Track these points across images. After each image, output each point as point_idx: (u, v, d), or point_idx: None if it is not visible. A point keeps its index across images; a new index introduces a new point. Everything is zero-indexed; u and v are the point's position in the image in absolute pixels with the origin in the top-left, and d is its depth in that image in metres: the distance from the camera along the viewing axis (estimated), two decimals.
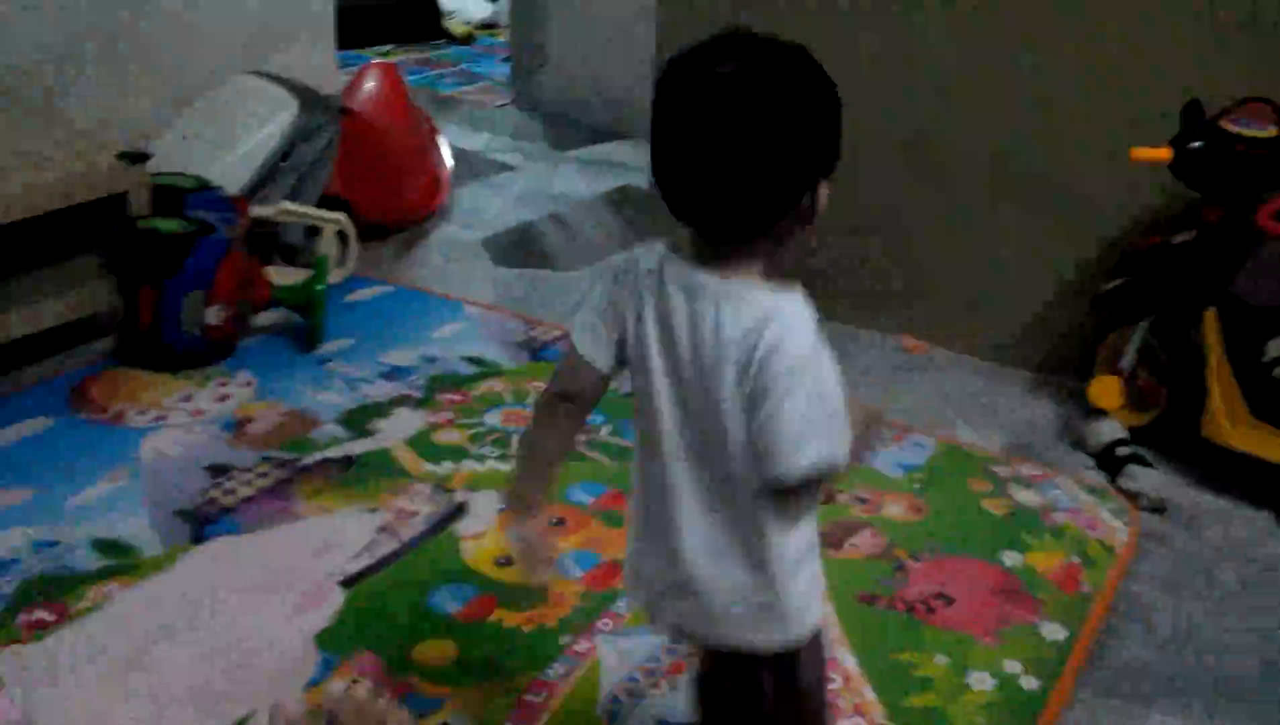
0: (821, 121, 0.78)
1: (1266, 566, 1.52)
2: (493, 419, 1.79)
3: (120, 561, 1.40)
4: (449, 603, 1.35)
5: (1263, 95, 1.61)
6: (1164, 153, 1.62)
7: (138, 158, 1.94)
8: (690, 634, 0.89)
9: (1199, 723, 1.24)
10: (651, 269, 0.83)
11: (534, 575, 0.93)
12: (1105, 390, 1.79)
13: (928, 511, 1.59)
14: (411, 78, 3.96)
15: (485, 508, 1.54)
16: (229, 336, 1.94)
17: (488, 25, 4.86)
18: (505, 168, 3.13)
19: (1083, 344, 1.93)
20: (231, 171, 2.20)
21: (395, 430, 1.73)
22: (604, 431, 1.76)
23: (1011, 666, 1.29)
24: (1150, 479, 1.66)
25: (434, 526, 1.50)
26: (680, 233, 0.82)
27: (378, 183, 2.49)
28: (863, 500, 1.61)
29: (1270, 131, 1.59)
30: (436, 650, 1.27)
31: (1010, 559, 1.49)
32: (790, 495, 0.81)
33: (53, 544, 1.42)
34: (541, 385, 1.93)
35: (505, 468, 1.64)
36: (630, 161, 3.09)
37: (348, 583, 1.38)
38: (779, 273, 0.82)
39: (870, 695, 1.23)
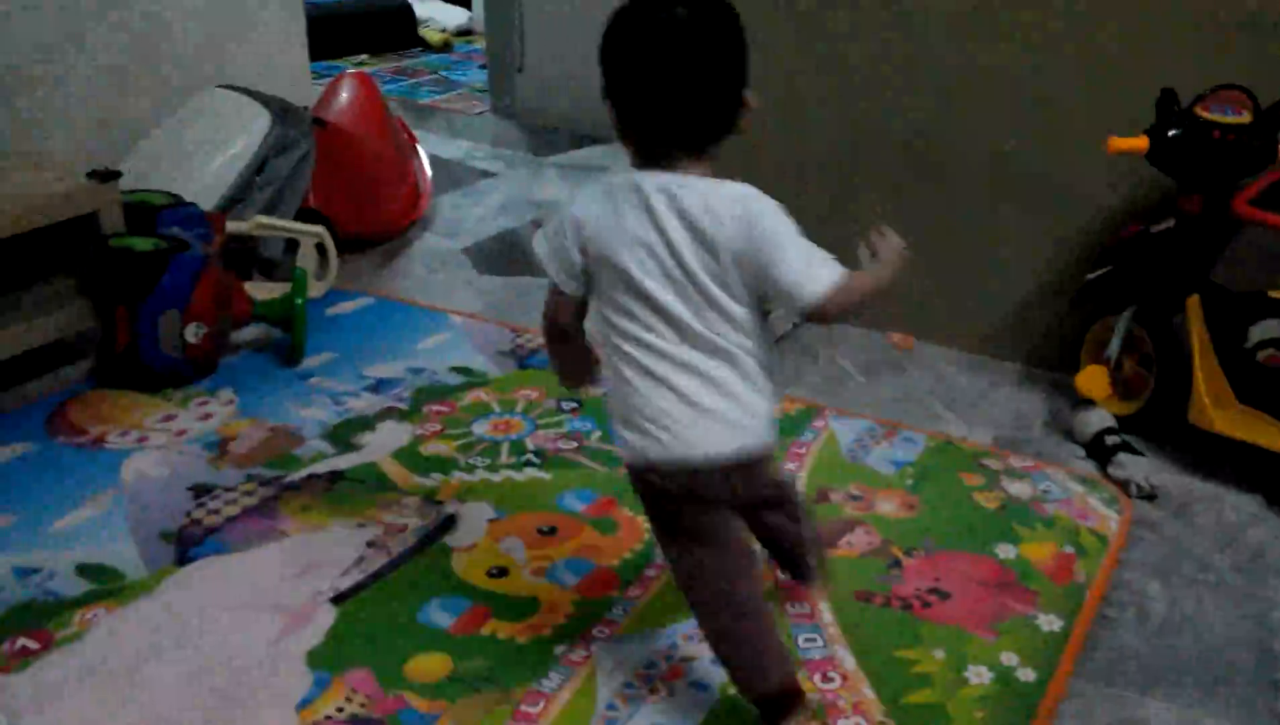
0: (744, 44, 1.02)
1: (1257, 551, 1.53)
2: (481, 429, 1.77)
3: (105, 585, 1.37)
4: (441, 616, 1.33)
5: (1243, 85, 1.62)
6: (1141, 142, 1.63)
7: (108, 176, 1.91)
8: (683, 460, 1.02)
9: (1194, 709, 1.24)
10: (628, 184, 1.02)
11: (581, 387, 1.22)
12: (1092, 380, 1.80)
13: (921, 507, 1.59)
14: (388, 87, 3.95)
15: (476, 519, 1.52)
16: (209, 354, 1.92)
17: (464, 32, 4.84)
18: (485, 175, 3.11)
19: (1070, 336, 1.93)
20: (205, 187, 2.17)
21: (382, 443, 1.71)
22: (594, 438, 1.75)
23: (1008, 659, 1.29)
24: (1140, 467, 1.66)
25: (424, 539, 1.48)
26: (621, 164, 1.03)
27: (356, 194, 2.47)
28: (855, 498, 1.61)
29: (1245, 118, 1.61)
30: (430, 665, 1.26)
31: (1004, 551, 1.49)
32: (829, 323, 1.29)
33: (35, 570, 1.39)
34: (530, 393, 1.94)
35: (495, 478, 1.62)
36: (611, 165, 3.08)
37: (338, 599, 1.36)
38: (719, 170, 1.03)
39: (869, 693, 1.23)
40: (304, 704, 1.19)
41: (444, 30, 4.76)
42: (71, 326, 1.89)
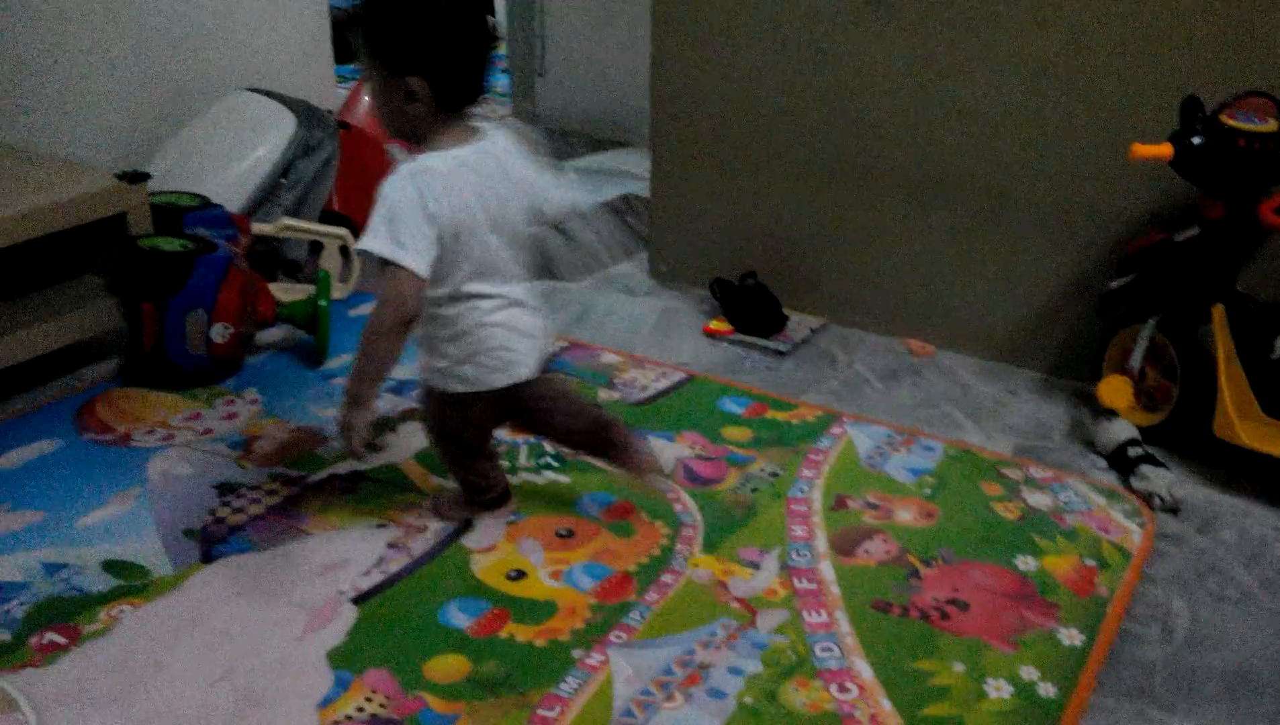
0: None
1: None
2: (500, 431, 1.78)
3: (131, 582, 1.39)
4: (460, 618, 1.34)
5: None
6: (1165, 149, 1.61)
7: (137, 177, 1.94)
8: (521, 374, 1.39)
9: None
10: (452, 166, 1.25)
11: (353, 450, 1.31)
12: (1115, 390, 1.78)
13: (939, 516, 1.58)
14: None
15: (495, 521, 1.54)
16: (235, 354, 1.94)
17: None
18: None
19: (1092, 344, 1.92)
20: (231, 189, 2.20)
21: (403, 445, 1.73)
22: None
23: (1029, 673, 1.28)
24: (1163, 479, 1.65)
25: (444, 541, 1.49)
26: (398, 150, 1.28)
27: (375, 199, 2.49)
28: (873, 506, 1.60)
29: (1271, 125, 1.59)
30: (449, 666, 1.27)
31: (1024, 563, 1.48)
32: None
33: (62, 566, 1.42)
34: None
35: (513, 480, 1.63)
36: (631, 170, 3.09)
37: (359, 599, 1.37)
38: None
39: (887, 705, 1.22)
40: (325, 703, 1.20)
41: None
42: (99, 325, 1.92)
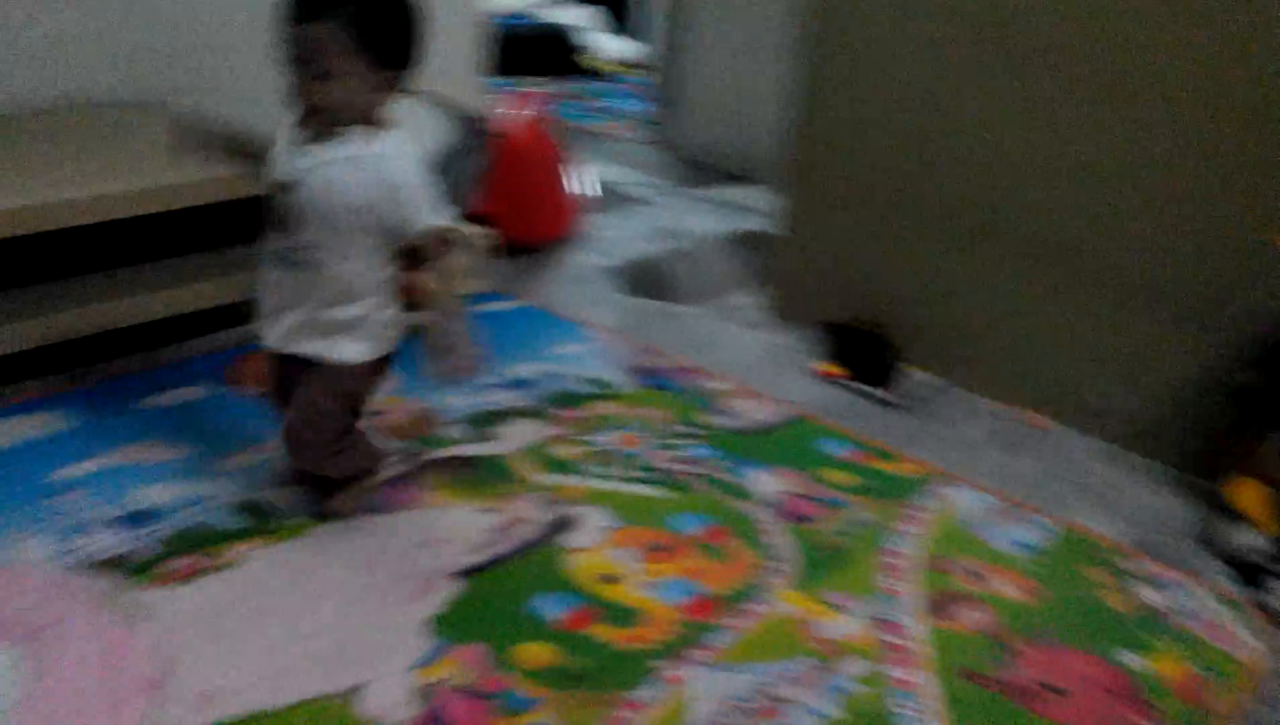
0: None
1: None
2: (606, 439, 1.83)
3: (259, 524, 1.50)
4: (552, 609, 1.39)
5: None
6: None
7: None
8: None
9: None
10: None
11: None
12: (1247, 493, 1.69)
13: (1041, 594, 1.54)
14: (556, 109, 4.14)
15: (593, 524, 1.58)
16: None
17: (630, 64, 5.03)
18: (640, 202, 3.23)
19: (1222, 439, 1.83)
20: None
21: (515, 438, 1.80)
22: (712, 465, 1.78)
23: None
24: None
25: (543, 535, 1.55)
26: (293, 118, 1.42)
27: (518, 204, 2.62)
28: (971, 572, 1.57)
29: None
30: (537, 653, 1.31)
31: (1128, 659, 1.42)
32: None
33: (199, 501, 1.54)
34: (656, 412, 1.98)
35: (614, 488, 1.67)
36: (757, 206, 3.13)
37: (460, 575, 1.44)
38: None
39: None
40: (420, 664, 1.27)
41: (608, 61, 4.97)
42: (251, 289, 2.07)
